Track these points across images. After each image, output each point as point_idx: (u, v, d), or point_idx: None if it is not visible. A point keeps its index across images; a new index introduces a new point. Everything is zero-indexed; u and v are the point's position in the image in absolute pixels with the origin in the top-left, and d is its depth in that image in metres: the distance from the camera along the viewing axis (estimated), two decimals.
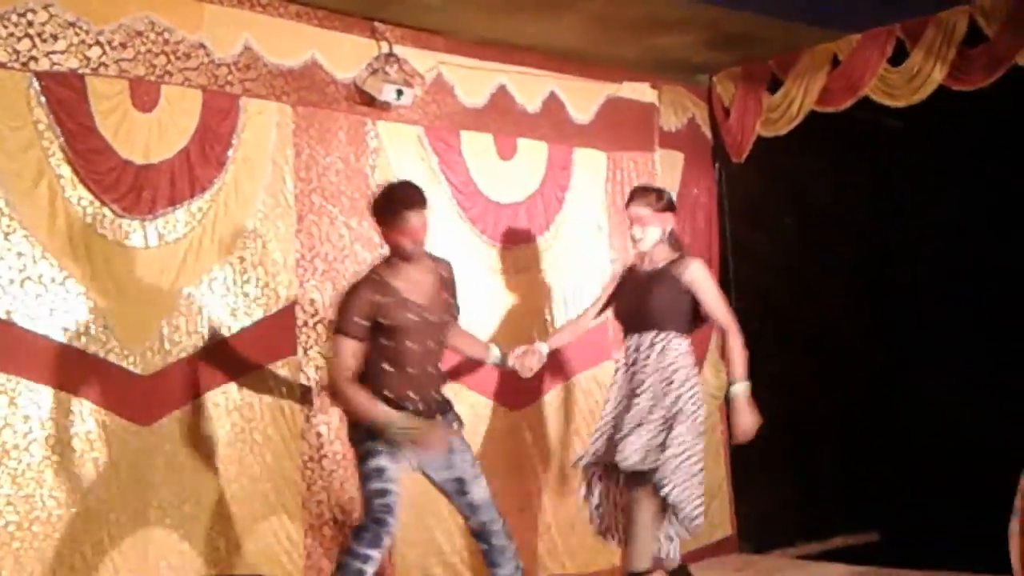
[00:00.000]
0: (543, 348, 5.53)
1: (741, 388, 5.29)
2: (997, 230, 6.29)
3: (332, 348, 4.88)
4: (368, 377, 4.77)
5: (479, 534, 4.99)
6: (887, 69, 6.68)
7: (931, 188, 6.60)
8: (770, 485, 7.02)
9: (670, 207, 5.59)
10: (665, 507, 5.31)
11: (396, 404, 4.75)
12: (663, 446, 5.19)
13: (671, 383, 5.31)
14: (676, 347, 5.37)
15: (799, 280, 7.06)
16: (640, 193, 5.64)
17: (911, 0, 6.23)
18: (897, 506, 6.72)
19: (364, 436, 4.79)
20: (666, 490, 5.14)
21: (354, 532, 4.74)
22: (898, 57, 6.65)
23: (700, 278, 5.40)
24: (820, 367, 6.99)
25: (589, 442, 5.58)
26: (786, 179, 7.09)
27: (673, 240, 5.57)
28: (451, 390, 5.29)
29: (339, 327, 4.76)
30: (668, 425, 5.23)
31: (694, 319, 5.50)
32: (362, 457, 4.80)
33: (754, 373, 5.31)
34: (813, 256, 7.07)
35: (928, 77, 6.50)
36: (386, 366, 4.80)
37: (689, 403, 5.29)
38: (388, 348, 4.79)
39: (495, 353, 5.35)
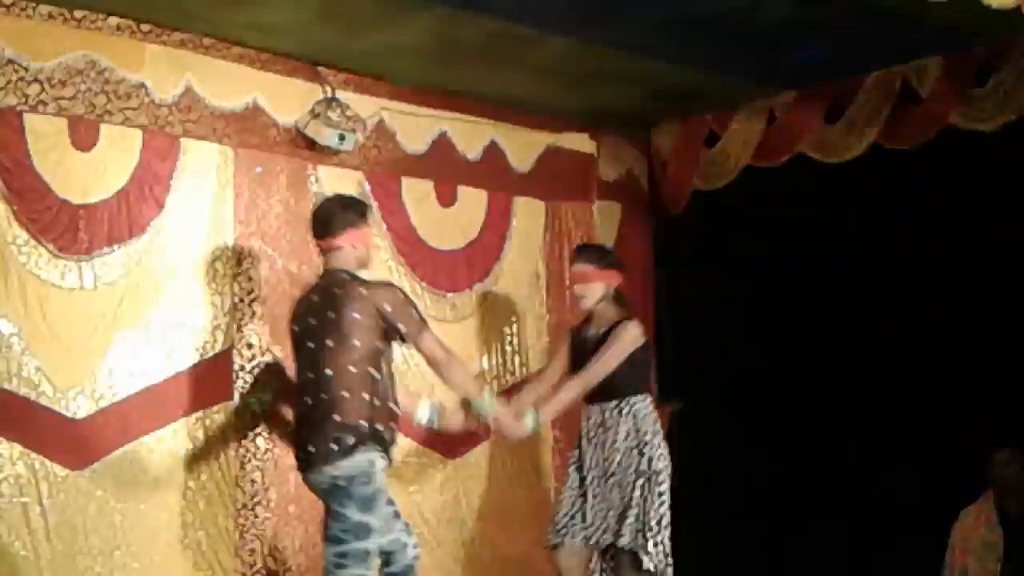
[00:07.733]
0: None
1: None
2: (932, 286, 6.44)
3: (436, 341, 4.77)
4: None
5: None
6: (822, 127, 6.78)
7: (865, 242, 6.73)
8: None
9: (614, 264, 5.55)
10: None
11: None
12: (645, 515, 5.13)
13: (642, 448, 5.22)
14: (641, 410, 5.28)
15: (733, 332, 7.11)
16: (582, 250, 5.64)
17: (846, 61, 6.33)
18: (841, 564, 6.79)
19: None
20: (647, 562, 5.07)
21: None
22: (833, 115, 6.75)
23: (619, 336, 5.28)
24: (757, 420, 7.02)
25: (559, 519, 5.37)
26: (721, 232, 7.13)
27: (619, 298, 5.50)
28: None
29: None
30: (645, 491, 5.15)
31: (648, 375, 5.47)
32: None
33: (692, 427, 5.21)
34: (747, 308, 7.12)
35: (862, 136, 6.60)
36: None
37: (660, 463, 5.22)
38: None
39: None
